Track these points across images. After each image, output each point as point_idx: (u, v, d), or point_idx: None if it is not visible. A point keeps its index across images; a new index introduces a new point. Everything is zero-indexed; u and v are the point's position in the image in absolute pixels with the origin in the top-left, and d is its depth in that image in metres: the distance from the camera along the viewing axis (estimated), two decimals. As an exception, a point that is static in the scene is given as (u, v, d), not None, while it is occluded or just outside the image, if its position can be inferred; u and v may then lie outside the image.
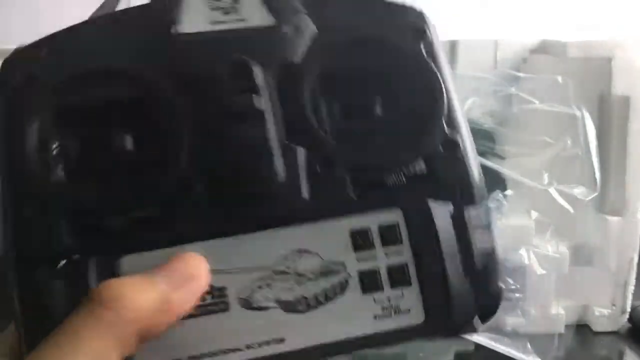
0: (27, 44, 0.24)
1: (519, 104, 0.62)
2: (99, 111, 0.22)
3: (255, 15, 0.23)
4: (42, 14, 0.90)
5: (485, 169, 0.61)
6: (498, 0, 0.94)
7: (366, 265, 0.23)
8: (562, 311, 0.64)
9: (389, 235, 0.23)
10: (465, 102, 0.64)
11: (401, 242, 0.23)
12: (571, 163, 0.59)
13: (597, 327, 0.65)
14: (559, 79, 0.60)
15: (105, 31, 0.23)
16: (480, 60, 0.67)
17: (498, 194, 0.61)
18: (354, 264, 0.23)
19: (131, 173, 0.23)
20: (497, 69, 0.66)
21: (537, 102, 0.61)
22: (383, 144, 0.25)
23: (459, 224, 0.24)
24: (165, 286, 0.20)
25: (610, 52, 0.61)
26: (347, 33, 0.25)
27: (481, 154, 0.61)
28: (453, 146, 0.25)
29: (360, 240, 0.23)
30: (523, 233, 0.62)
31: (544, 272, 0.61)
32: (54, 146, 0.22)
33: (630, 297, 0.64)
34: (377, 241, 0.23)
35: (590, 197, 0.59)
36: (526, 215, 0.63)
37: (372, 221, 0.23)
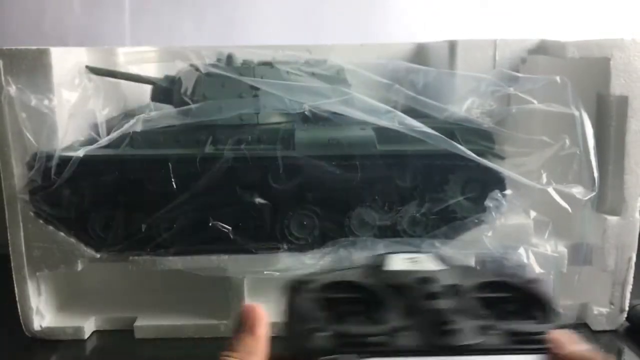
0: None
1: (517, 103, 0.63)
2: (346, 302, 0.38)
3: (432, 264, 0.41)
4: (43, 13, 0.90)
5: (484, 169, 0.62)
6: (498, 0, 0.95)
7: None
8: (560, 310, 0.64)
9: None
10: (465, 102, 0.64)
11: None
12: (569, 162, 0.60)
13: (596, 325, 0.66)
14: (558, 79, 0.60)
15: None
16: (479, 61, 0.67)
17: (497, 194, 0.62)
18: None
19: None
20: (496, 69, 0.66)
21: (535, 102, 0.61)
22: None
23: None
24: None
25: (608, 52, 0.61)
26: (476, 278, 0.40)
27: (481, 154, 0.62)
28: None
29: None
30: (522, 232, 0.63)
31: (542, 271, 0.62)
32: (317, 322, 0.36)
33: (628, 296, 0.65)
34: None
35: (588, 197, 0.59)
36: (525, 214, 0.63)
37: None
